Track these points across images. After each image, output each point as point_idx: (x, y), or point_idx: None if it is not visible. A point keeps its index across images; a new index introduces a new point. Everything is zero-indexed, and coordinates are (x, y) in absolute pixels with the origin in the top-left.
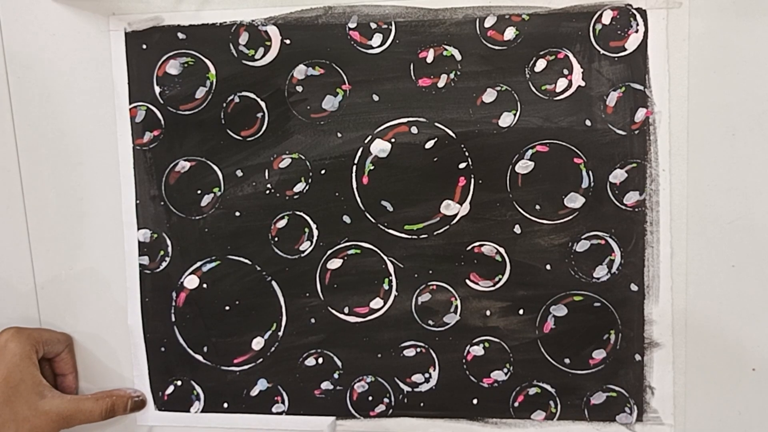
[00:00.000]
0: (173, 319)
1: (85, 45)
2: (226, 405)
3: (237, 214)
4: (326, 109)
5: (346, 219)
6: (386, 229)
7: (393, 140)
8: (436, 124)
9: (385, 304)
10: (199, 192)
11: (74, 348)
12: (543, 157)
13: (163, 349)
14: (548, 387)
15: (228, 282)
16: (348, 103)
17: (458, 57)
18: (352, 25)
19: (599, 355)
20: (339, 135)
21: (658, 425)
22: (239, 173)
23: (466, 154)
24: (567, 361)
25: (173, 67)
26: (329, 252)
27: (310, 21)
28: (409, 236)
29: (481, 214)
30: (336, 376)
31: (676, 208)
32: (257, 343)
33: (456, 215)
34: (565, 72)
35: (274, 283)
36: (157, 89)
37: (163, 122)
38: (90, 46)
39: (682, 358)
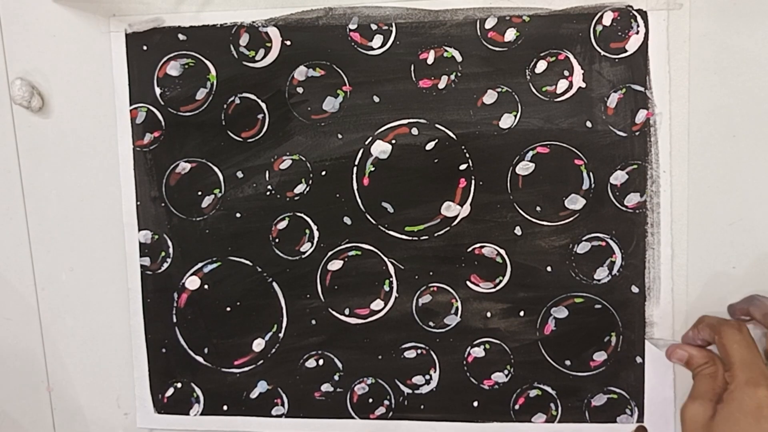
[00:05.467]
0: (174, 320)
1: (86, 46)
2: (225, 407)
3: (238, 215)
4: (327, 111)
5: (347, 220)
6: (387, 231)
7: (393, 141)
8: (437, 125)
9: (385, 305)
10: (199, 193)
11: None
12: (543, 158)
13: (164, 350)
14: (549, 389)
15: (229, 283)
16: (348, 104)
17: (459, 58)
18: (352, 27)
19: (600, 357)
20: (339, 136)
21: (659, 427)
22: (240, 174)
23: (467, 155)
24: (568, 362)
25: (174, 69)
26: (330, 253)
27: (311, 22)
28: (410, 238)
29: (482, 215)
30: (336, 377)
31: (677, 210)
32: (258, 345)
33: (456, 217)
34: (566, 73)
35: (274, 284)
36: (158, 90)
37: (163, 123)
38: (90, 47)
39: None
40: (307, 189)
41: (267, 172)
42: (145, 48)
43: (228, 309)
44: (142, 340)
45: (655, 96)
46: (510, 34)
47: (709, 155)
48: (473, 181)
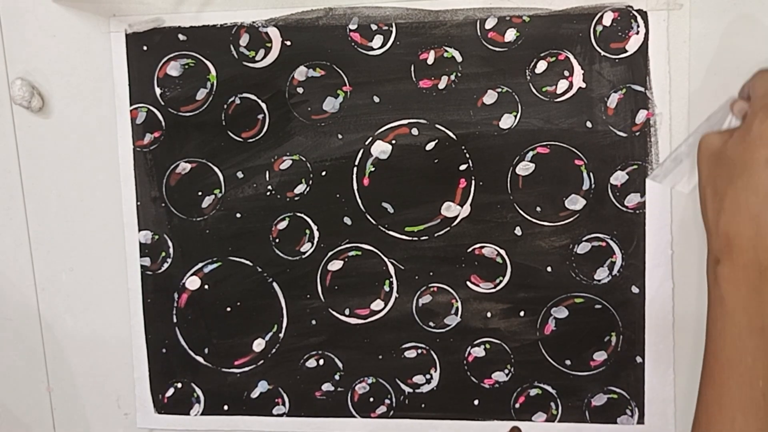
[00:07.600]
0: (175, 320)
1: (86, 46)
2: (226, 407)
3: (238, 215)
4: (327, 111)
5: (347, 220)
6: (387, 231)
7: (394, 142)
8: (437, 125)
9: (385, 305)
10: (200, 193)
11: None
12: (544, 158)
13: (164, 350)
14: (549, 388)
15: (229, 283)
16: (349, 104)
17: (459, 58)
18: (352, 27)
19: (600, 357)
20: (340, 136)
21: (660, 427)
22: (240, 175)
23: (467, 155)
24: (568, 362)
25: (174, 69)
26: (330, 253)
27: (311, 22)
28: (410, 238)
29: (482, 215)
30: (337, 377)
31: (677, 210)
32: (258, 345)
33: (457, 217)
34: (566, 73)
35: (275, 284)
36: (158, 91)
37: (163, 124)
38: (91, 47)
39: (683, 360)
40: (307, 189)
41: (267, 173)
42: (145, 48)
43: (228, 309)
44: (142, 340)
45: (655, 96)
46: (510, 35)
47: None
48: (473, 182)
